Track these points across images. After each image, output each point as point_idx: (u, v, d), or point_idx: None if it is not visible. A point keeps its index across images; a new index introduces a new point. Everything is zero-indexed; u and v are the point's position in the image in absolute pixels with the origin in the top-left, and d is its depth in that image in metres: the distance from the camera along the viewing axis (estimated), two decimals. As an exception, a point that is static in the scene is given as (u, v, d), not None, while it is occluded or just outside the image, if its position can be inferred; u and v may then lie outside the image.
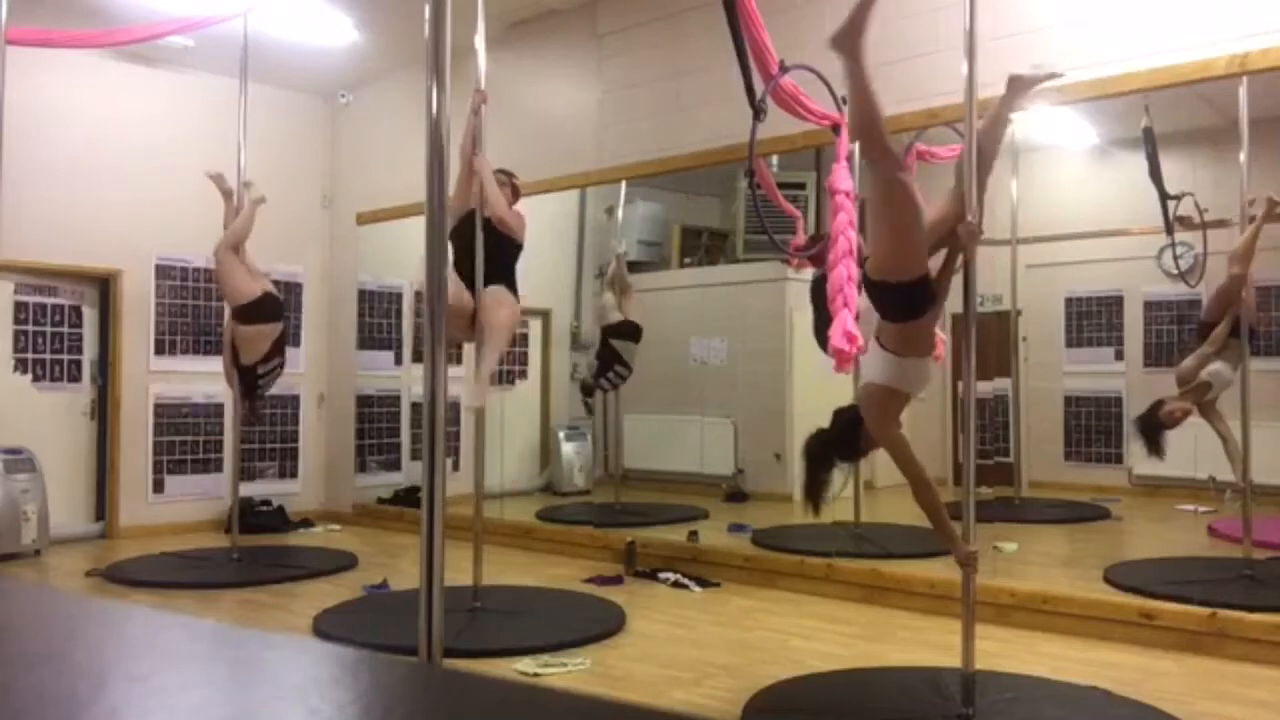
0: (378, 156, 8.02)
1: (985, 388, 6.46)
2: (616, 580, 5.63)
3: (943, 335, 5.02)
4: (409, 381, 8.40)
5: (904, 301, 3.22)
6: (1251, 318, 5.31)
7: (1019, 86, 3.44)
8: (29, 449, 6.55)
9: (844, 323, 4.41)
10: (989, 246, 5.72)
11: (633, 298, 7.55)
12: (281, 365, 6.29)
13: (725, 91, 5.29)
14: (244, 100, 6.20)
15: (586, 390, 8.04)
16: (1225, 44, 4.37)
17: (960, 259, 3.41)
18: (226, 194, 6.20)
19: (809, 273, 6.91)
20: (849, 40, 3.01)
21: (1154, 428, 5.56)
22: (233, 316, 6.09)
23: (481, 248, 4.77)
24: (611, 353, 7.41)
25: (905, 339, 3.32)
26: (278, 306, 6.24)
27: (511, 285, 4.93)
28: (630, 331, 7.43)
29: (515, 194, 5.20)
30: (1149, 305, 6.57)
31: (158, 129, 7.49)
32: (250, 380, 6.15)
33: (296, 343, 8.21)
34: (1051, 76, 3.44)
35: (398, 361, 8.46)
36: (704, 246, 8.58)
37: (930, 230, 3.28)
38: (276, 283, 8.02)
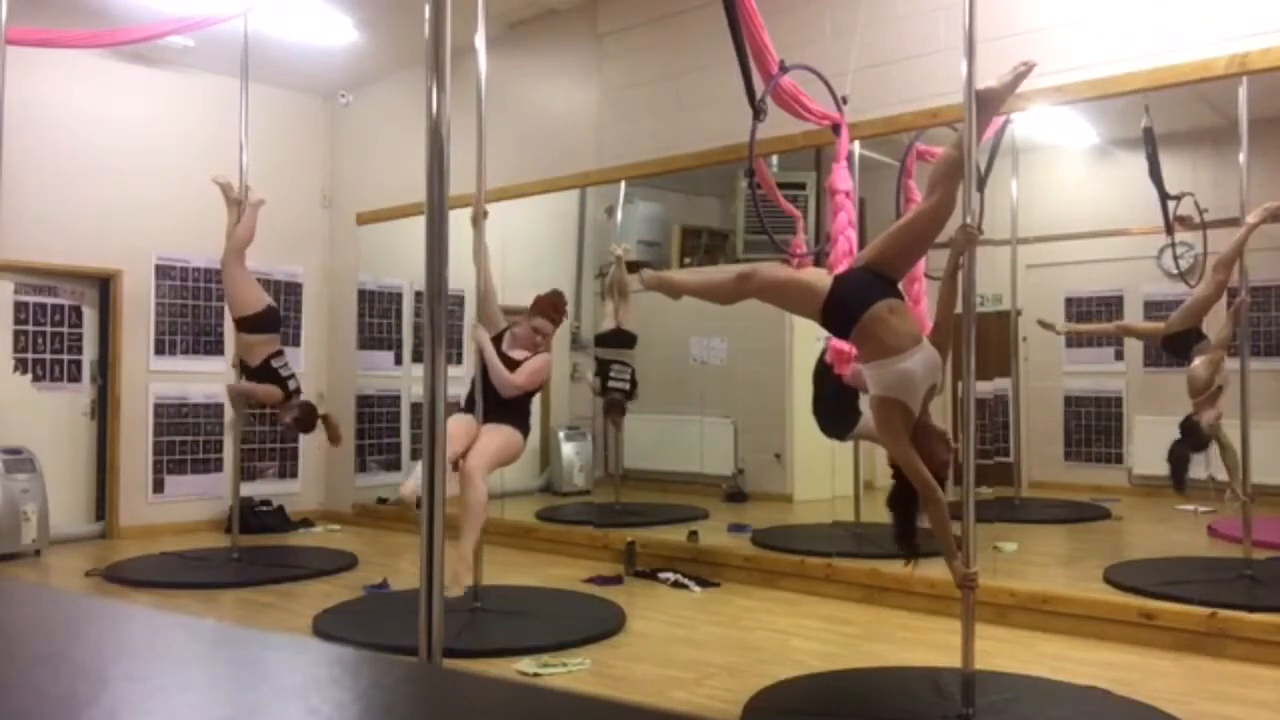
0: (378, 156, 8.02)
1: (985, 388, 6.46)
2: (616, 580, 5.62)
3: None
4: (409, 381, 8.39)
5: (828, 321, 3.49)
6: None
7: (990, 101, 3.45)
8: (29, 449, 6.54)
9: (844, 323, 4.41)
10: (989, 246, 5.72)
11: (631, 303, 7.49)
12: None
13: (725, 91, 5.29)
14: (244, 100, 6.20)
15: (615, 409, 7.38)
16: (1225, 44, 4.37)
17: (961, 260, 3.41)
18: (233, 202, 6.19)
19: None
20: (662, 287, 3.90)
21: (1197, 445, 5.35)
22: (236, 326, 6.16)
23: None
24: (601, 363, 7.38)
25: (860, 344, 3.43)
26: (278, 318, 6.32)
27: (522, 419, 4.93)
28: (620, 340, 7.36)
29: (559, 312, 5.11)
30: (1149, 305, 6.56)
31: (158, 129, 7.49)
32: (271, 376, 6.15)
33: (297, 342, 8.22)
34: (1019, 78, 3.41)
35: (398, 361, 8.46)
36: (704, 246, 8.57)
37: (909, 227, 3.52)
38: (277, 283, 8.09)
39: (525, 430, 4.97)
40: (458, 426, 4.66)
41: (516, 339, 5.00)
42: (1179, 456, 5.48)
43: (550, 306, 5.10)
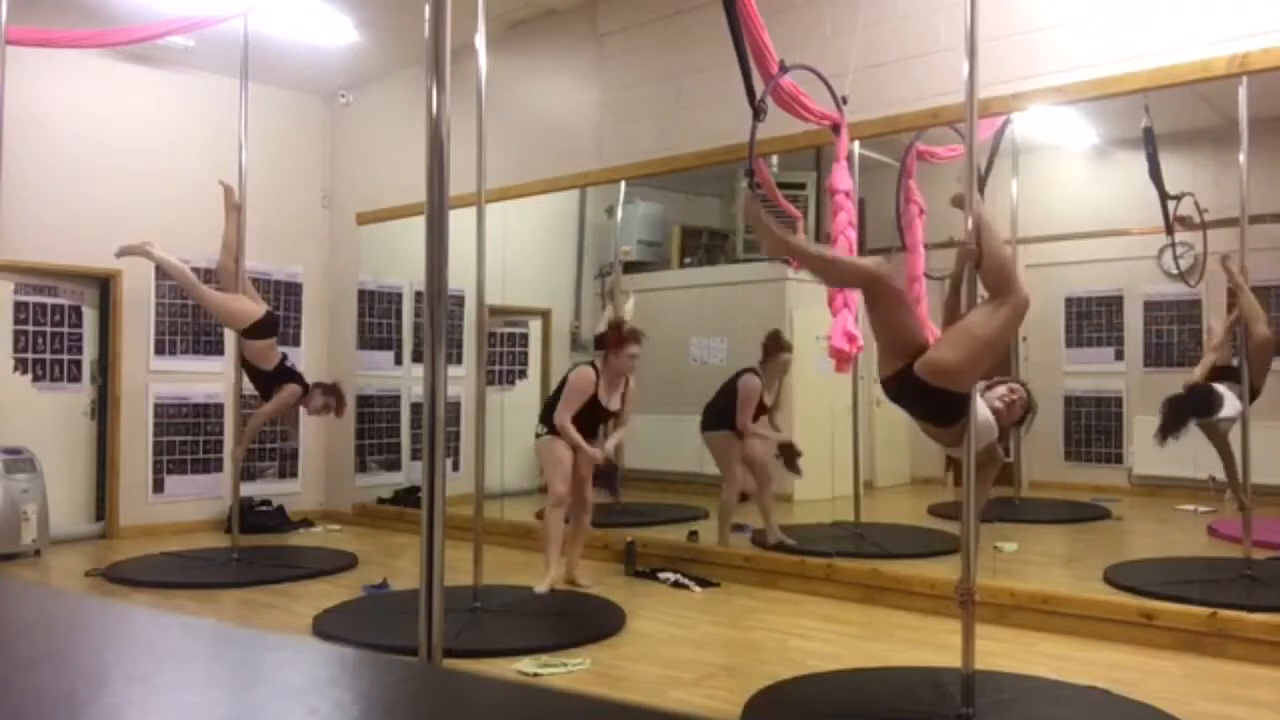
0: (378, 156, 8.02)
1: (985, 388, 6.45)
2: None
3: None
4: (409, 382, 8.39)
5: (958, 408, 3.29)
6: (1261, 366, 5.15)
7: (964, 255, 3.37)
8: (29, 449, 6.54)
9: (844, 323, 4.42)
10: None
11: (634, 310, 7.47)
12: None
13: (725, 91, 5.30)
14: (244, 100, 6.19)
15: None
16: (1225, 44, 4.37)
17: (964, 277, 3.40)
18: (232, 207, 6.20)
19: (809, 273, 6.91)
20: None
21: (1202, 409, 5.28)
22: (244, 336, 6.16)
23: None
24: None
25: (955, 436, 3.36)
26: (278, 319, 6.40)
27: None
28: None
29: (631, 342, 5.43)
30: (1149, 305, 6.56)
31: (158, 129, 7.49)
32: (289, 374, 6.19)
33: (297, 342, 8.22)
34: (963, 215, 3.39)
35: (398, 361, 8.46)
36: (704, 246, 8.57)
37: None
38: (277, 283, 8.09)
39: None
40: (564, 454, 5.33)
41: (612, 383, 5.38)
42: (1176, 408, 5.38)
43: (631, 337, 5.36)
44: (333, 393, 6.40)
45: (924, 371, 3.16)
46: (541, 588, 5.24)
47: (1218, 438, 5.30)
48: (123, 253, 6.10)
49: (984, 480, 3.42)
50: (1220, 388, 5.30)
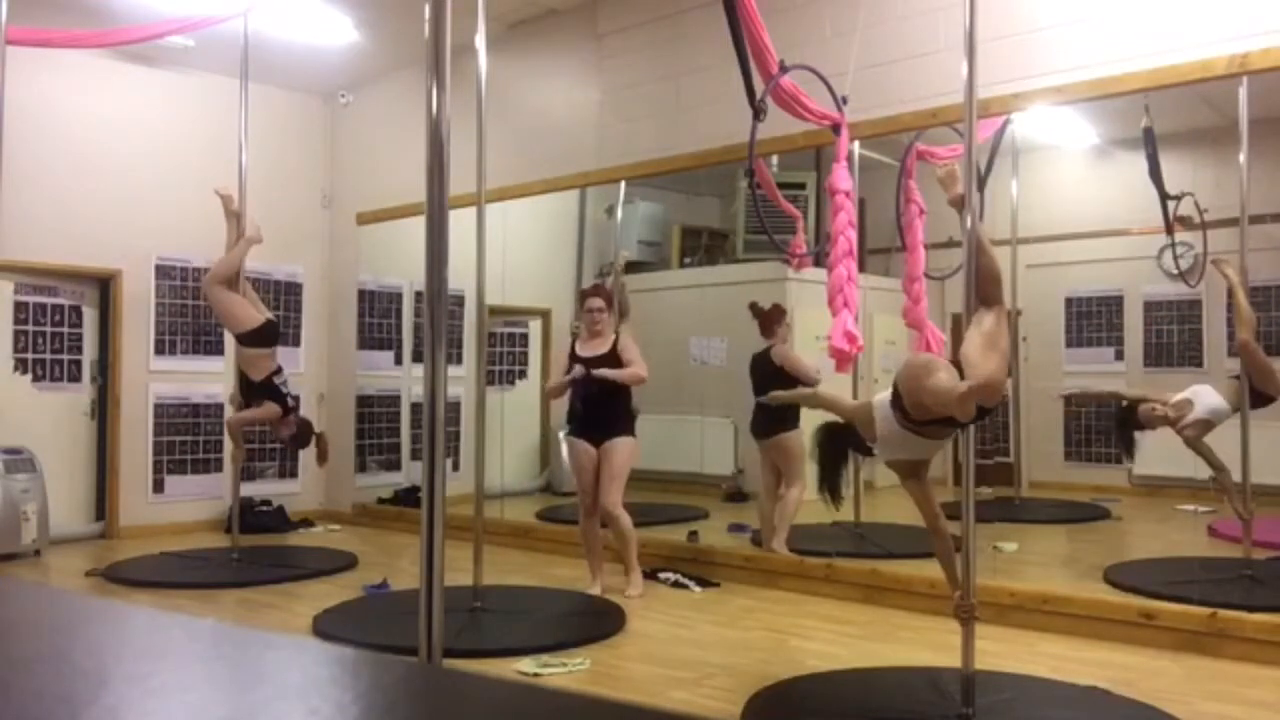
0: (378, 156, 8.02)
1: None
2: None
3: (942, 335, 5.02)
4: (409, 382, 8.40)
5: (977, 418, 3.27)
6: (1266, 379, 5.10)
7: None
8: (29, 449, 6.54)
9: (844, 323, 4.42)
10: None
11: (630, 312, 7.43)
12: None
13: (725, 91, 5.30)
14: (244, 100, 6.19)
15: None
16: (1225, 44, 4.37)
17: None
18: (233, 214, 6.19)
19: (809, 273, 6.91)
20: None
21: (1129, 425, 5.43)
22: (238, 341, 6.16)
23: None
24: None
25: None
26: (278, 331, 6.36)
27: (630, 421, 5.36)
28: None
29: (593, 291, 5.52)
30: (1149, 305, 6.56)
31: (158, 129, 7.49)
32: (273, 392, 6.16)
33: (297, 342, 8.22)
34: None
35: (398, 361, 8.46)
36: (704, 246, 8.57)
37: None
38: (277, 283, 8.09)
39: (634, 431, 5.36)
40: (585, 459, 5.22)
41: (586, 339, 5.36)
42: (1121, 424, 5.52)
43: (589, 291, 5.52)
44: (305, 434, 6.29)
45: (985, 397, 3.12)
46: (593, 589, 5.33)
47: (1196, 446, 5.22)
48: (220, 191, 6.16)
49: (925, 481, 3.40)
50: (1187, 394, 5.28)
